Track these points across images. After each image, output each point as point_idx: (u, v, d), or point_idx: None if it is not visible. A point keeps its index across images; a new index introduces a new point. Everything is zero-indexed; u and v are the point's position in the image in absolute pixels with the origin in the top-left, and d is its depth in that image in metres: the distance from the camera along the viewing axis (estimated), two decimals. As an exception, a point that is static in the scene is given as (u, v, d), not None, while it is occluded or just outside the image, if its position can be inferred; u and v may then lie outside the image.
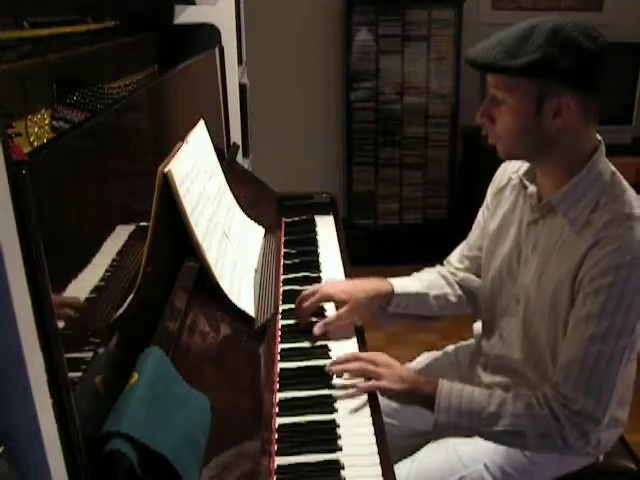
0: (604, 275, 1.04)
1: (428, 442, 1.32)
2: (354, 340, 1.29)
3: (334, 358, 1.21)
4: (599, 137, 1.16)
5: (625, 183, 1.13)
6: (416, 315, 1.42)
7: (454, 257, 1.47)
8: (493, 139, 1.16)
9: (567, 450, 1.11)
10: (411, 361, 1.52)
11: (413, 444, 1.34)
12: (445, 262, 1.49)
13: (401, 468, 1.25)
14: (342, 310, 1.31)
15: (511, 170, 1.30)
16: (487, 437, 1.15)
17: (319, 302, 1.33)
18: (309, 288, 1.35)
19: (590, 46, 1.04)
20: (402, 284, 1.39)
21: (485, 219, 1.38)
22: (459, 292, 1.43)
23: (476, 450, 1.24)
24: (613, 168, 1.15)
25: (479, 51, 1.10)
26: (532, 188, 1.21)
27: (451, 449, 1.26)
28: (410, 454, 1.30)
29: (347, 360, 1.17)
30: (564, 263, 1.12)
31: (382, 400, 1.15)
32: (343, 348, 1.25)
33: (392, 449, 1.01)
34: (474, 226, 1.43)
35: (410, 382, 1.15)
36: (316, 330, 1.27)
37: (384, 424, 1.07)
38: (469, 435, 1.19)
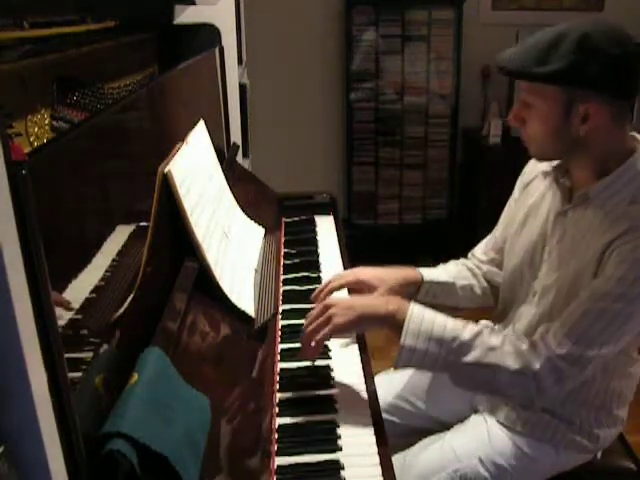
0: (633, 250, 1.04)
1: (426, 438, 1.31)
2: (354, 341, 1.29)
3: (334, 358, 1.21)
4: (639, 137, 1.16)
5: None
6: (442, 306, 1.41)
7: (479, 250, 1.48)
8: (525, 141, 1.18)
9: (538, 395, 1.08)
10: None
11: (412, 442, 1.34)
12: (470, 255, 1.49)
13: (394, 462, 1.25)
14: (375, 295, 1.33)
15: (541, 163, 1.30)
16: (453, 370, 1.11)
17: (349, 285, 1.34)
18: (342, 272, 1.42)
19: (619, 53, 1.04)
20: (430, 273, 1.40)
21: (511, 211, 1.38)
22: (484, 284, 1.44)
23: (470, 444, 1.24)
24: None
25: (509, 57, 1.10)
26: (565, 180, 1.21)
27: (445, 443, 1.26)
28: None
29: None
30: (589, 250, 1.11)
31: (382, 399, 1.15)
32: (343, 348, 1.25)
33: (391, 447, 1.01)
34: (500, 219, 1.43)
35: (361, 306, 1.12)
36: None
37: (384, 423, 1.06)
38: (433, 370, 1.16)
